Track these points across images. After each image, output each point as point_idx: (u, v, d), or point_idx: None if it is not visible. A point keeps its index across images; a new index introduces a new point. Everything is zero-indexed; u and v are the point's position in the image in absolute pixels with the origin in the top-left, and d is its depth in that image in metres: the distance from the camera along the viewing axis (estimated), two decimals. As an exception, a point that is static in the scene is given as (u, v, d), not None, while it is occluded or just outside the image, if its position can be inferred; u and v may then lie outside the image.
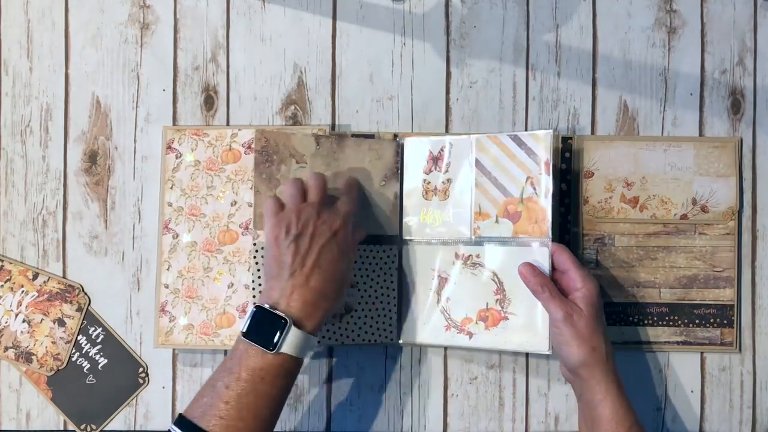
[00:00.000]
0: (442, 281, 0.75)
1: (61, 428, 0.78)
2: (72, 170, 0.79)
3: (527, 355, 0.77)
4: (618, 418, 0.65)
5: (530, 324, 0.71)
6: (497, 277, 0.72)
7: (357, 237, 0.71)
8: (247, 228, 0.76)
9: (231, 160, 0.77)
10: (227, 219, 0.76)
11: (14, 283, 0.78)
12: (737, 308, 0.77)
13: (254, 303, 0.66)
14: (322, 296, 0.64)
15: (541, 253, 0.71)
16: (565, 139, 0.78)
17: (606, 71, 0.79)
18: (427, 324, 0.75)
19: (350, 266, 0.68)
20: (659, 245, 0.77)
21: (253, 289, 0.73)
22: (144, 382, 0.78)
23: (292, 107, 0.79)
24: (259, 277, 0.73)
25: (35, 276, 0.78)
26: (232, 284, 0.76)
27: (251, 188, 0.76)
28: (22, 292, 0.78)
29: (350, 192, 0.72)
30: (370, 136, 0.78)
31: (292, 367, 0.63)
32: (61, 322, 0.78)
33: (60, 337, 0.78)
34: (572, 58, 0.79)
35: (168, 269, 0.76)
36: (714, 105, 0.79)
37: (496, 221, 0.73)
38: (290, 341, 0.62)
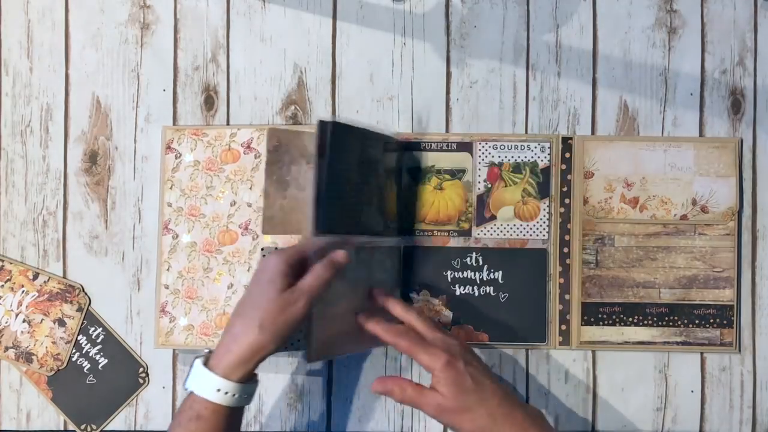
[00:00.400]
0: None
1: (62, 428, 0.78)
2: (72, 170, 0.79)
3: (527, 354, 0.78)
4: None
5: None
6: None
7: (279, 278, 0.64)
8: (246, 228, 0.76)
9: (230, 160, 0.77)
10: (227, 219, 0.77)
11: (14, 283, 0.78)
12: (737, 308, 0.77)
13: None
14: (231, 338, 0.62)
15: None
16: (565, 139, 0.78)
17: (606, 71, 0.79)
18: None
19: (268, 302, 0.62)
20: (659, 245, 0.77)
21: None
22: (144, 382, 0.78)
23: (293, 107, 0.79)
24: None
25: (35, 276, 0.78)
26: (232, 285, 0.76)
27: (250, 188, 0.76)
28: (23, 292, 0.78)
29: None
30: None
31: (201, 410, 0.61)
32: (61, 322, 0.78)
33: (60, 337, 0.78)
34: (572, 58, 0.79)
35: (168, 270, 0.76)
36: (714, 105, 0.79)
37: None
38: (192, 374, 0.62)
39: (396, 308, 0.69)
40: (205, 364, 0.62)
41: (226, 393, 0.60)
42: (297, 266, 0.64)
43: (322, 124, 0.66)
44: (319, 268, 0.64)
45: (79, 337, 0.78)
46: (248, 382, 0.62)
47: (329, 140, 0.66)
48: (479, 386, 0.64)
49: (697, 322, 0.77)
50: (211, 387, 0.60)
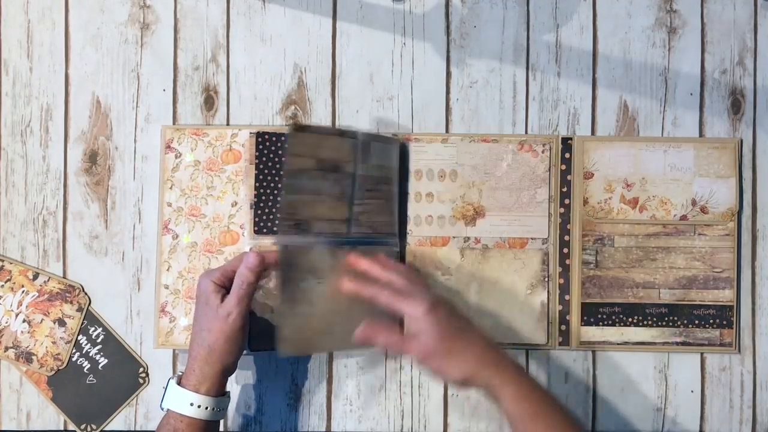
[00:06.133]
0: None
1: (62, 428, 0.78)
2: (72, 170, 0.79)
3: (527, 354, 0.78)
4: (520, 410, 0.62)
5: None
6: None
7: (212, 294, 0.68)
8: (247, 228, 0.76)
9: (231, 160, 0.77)
10: (228, 220, 0.77)
11: (14, 283, 0.78)
12: (737, 309, 0.77)
13: None
14: (192, 359, 0.67)
15: None
16: (565, 140, 0.78)
17: (606, 71, 0.79)
18: None
19: (209, 320, 0.66)
20: (659, 246, 0.77)
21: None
22: (144, 382, 0.78)
23: (293, 107, 0.79)
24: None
25: (35, 276, 0.78)
26: (232, 285, 0.76)
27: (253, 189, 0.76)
28: (23, 292, 0.78)
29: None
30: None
31: (176, 424, 0.66)
32: (61, 322, 0.78)
33: (60, 337, 0.78)
34: (572, 58, 0.79)
35: (168, 270, 0.77)
36: (714, 105, 0.79)
37: None
38: (167, 393, 0.67)
39: (374, 268, 0.68)
40: (178, 383, 0.67)
41: (199, 406, 0.66)
42: (228, 281, 0.68)
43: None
44: (237, 277, 0.67)
45: (79, 337, 0.78)
46: (219, 396, 0.67)
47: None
48: (464, 331, 0.64)
49: (696, 322, 0.77)
50: (185, 402, 0.66)
